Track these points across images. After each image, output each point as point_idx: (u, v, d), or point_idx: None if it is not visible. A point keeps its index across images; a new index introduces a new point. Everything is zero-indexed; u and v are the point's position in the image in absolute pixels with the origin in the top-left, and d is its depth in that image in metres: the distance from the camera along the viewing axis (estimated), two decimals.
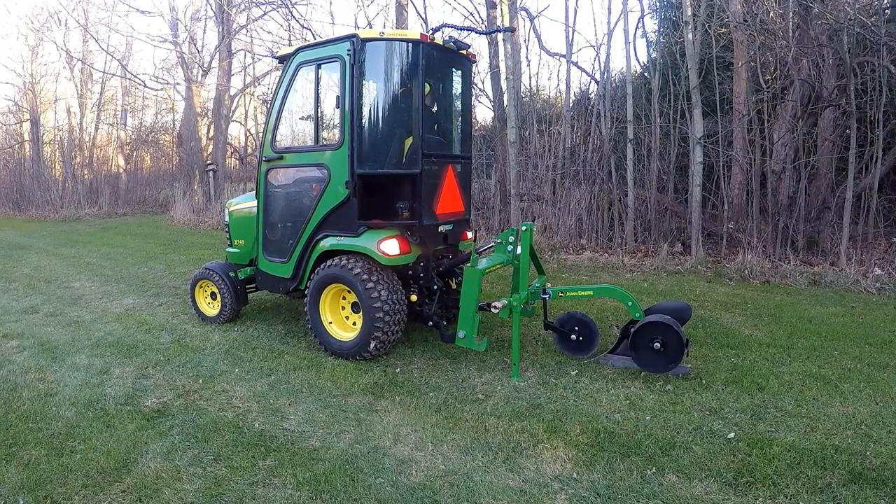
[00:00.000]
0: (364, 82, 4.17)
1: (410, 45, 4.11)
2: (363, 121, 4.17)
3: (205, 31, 18.57)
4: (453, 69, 4.69)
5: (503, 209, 10.20)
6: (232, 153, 22.37)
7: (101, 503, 2.62)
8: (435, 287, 4.41)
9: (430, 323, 4.32)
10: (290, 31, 13.98)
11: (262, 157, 4.71)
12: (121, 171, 20.77)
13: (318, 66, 4.33)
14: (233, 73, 18.22)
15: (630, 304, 3.97)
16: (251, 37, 17.25)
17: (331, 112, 4.48)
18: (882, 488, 2.59)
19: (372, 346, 4.13)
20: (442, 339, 4.27)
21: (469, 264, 3.90)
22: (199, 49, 17.44)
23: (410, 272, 4.43)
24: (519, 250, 4.13)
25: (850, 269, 6.76)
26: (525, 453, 2.95)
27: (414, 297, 4.35)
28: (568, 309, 4.80)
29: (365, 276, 4.08)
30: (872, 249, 7.40)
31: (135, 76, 20.04)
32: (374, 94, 4.31)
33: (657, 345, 3.72)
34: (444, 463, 2.88)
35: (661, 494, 2.59)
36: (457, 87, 4.80)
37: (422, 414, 3.41)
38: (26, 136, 21.81)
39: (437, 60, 4.39)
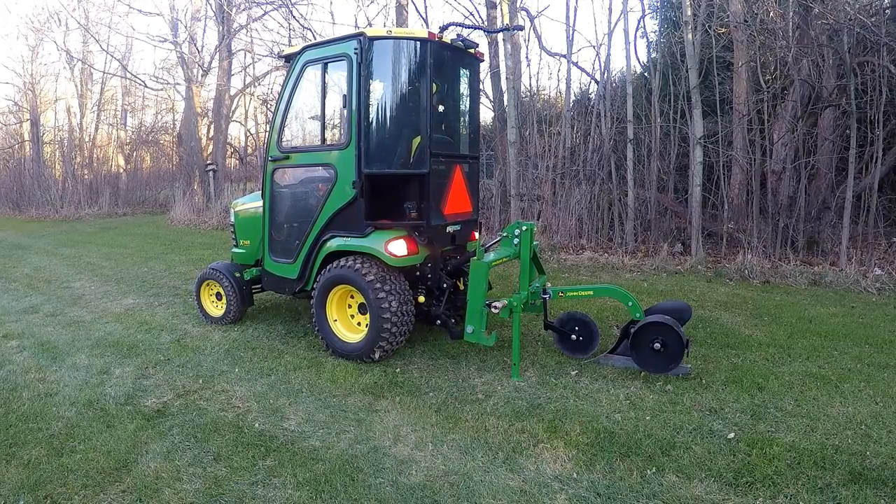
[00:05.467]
0: (371, 81, 4.14)
1: (418, 43, 4.07)
2: (370, 120, 4.13)
3: (205, 31, 18.69)
4: (461, 68, 4.65)
5: (503, 209, 10.20)
6: (232, 153, 22.37)
7: (101, 503, 2.62)
8: (444, 285, 4.37)
9: (438, 322, 4.28)
10: (290, 30, 13.99)
11: (268, 157, 4.66)
12: (121, 171, 20.80)
13: (325, 65, 4.29)
14: (233, 73, 18.26)
15: (630, 304, 3.97)
16: (251, 37, 17.30)
17: (337, 111, 4.45)
18: (882, 488, 2.59)
19: (377, 355, 4.12)
20: (450, 337, 4.23)
21: (475, 258, 3.87)
22: (199, 49, 17.44)
23: (418, 273, 4.40)
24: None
25: (850, 269, 6.76)
26: (525, 453, 2.95)
27: (422, 299, 4.32)
28: (568, 309, 4.80)
29: (378, 285, 4.01)
30: (872, 249, 7.40)
31: (135, 76, 20.08)
32: (381, 94, 4.28)
33: (657, 345, 3.71)
34: (444, 463, 2.88)
35: (661, 494, 2.59)
36: (464, 86, 4.75)
37: (422, 414, 3.41)
38: (26, 136, 21.81)
39: (444, 59, 4.35)
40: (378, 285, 4.02)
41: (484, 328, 3.82)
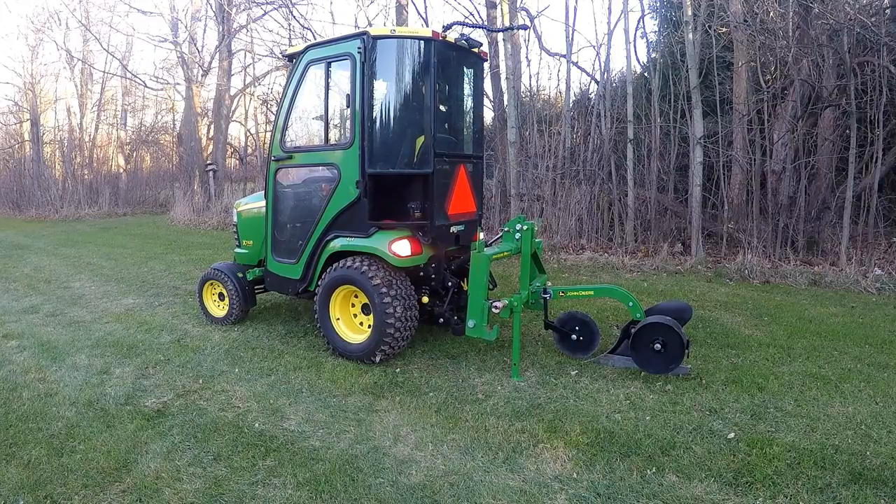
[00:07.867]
0: (375, 81, 4.12)
1: (422, 42, 4.05)
2: (374, 120, 4.11)
3: (205, 30, 18.57)
4: (465, 67, 4.62)
5: (503, 209, 10.20)
6: (232, 153, 22.37)
7: (101, 503, 2.62)
8: (449, 284, 4.35)
9: (441, 320, 4.26)
10: (290, 30, 13.99)
11: (271, 157, 4.64)
12: (121, 171, 20.77)
13: (328, 65, 4.27)
14: (233, 73, 18.24)
15: (630, 304, 3.97)
16: (251, 37, 17.28)
17: (341, 111, 4.44)
18: (882, 488, 2.59)
19: (378, 358, 4.12)
20: (453, 333, 4.23)
21: (476, 251, 3.85)
22: (199, 49, 17.44)
23: (422, 273, 4.38)
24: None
25: (850, 269, 6.76)
26: (525, 453, 2.95)
27: (425, 299, 4.30)
28: (568, 309, 4.80)
29: (384, 289, 3.99)
30: (872, 249, 7.40)
31: (135, 76, 20.05)
32: (385, 93, 4.26)
33: (657, 345, 3.71)
34: (444, 463, 2.88)
35: (661, 494, 2.59)
36: (468, 85, 4.74)
37: (422, 414, 3.41)
38: (26, 136, 21.81)
39: (448, 58, 4.34)
40: (384, 289, 3.99)
41: (486, 322, 3.81)
